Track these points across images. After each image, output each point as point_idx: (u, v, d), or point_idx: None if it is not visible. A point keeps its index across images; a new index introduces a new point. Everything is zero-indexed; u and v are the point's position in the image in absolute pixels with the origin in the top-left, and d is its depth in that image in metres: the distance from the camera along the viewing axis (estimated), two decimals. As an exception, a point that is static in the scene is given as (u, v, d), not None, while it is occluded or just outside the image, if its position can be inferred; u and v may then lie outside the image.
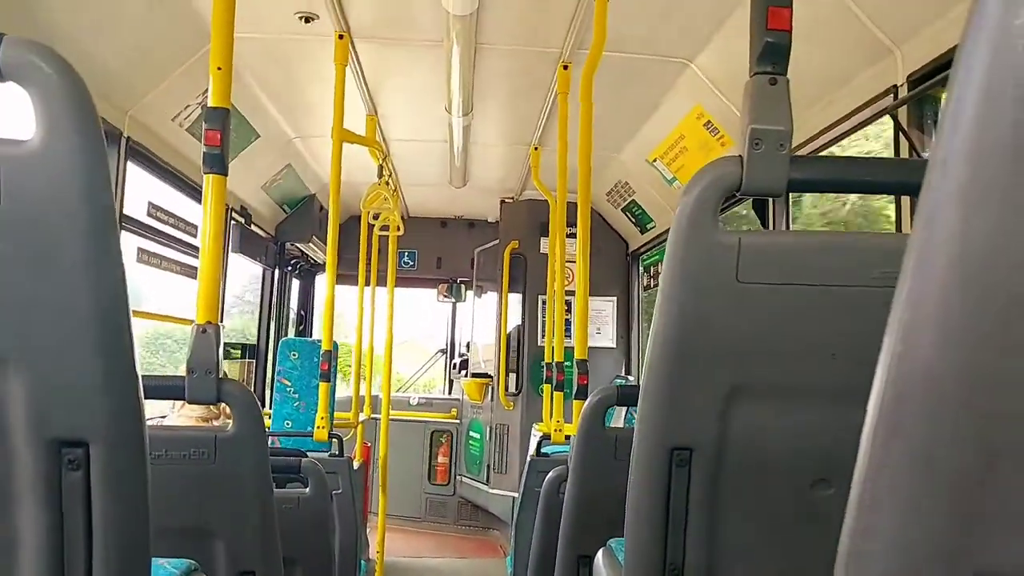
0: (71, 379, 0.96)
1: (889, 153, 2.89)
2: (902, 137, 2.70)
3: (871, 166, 1.32)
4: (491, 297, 7.56)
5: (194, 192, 4.35)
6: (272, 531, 1.87)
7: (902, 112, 2.70)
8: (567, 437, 3.98)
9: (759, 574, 1.36)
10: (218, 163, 2.08)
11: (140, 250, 4.01)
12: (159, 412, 3.75)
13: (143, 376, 1.03)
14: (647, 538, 1.33)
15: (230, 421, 1.87)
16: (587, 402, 2.49)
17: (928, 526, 0.46)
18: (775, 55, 1.22)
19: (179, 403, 3.32)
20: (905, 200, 2.71)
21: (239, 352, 6.14)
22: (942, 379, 0.44)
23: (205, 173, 2.11)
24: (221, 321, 2.12)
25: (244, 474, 1.84)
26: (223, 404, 3.47)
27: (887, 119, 2.82)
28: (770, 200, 3.88)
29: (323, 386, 3.72)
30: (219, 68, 2.15)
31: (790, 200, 3.84)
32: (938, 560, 0.46)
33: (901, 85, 2.71)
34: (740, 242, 1.21)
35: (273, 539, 1.87)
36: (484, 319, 7.84)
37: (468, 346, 8.15)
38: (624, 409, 5.08)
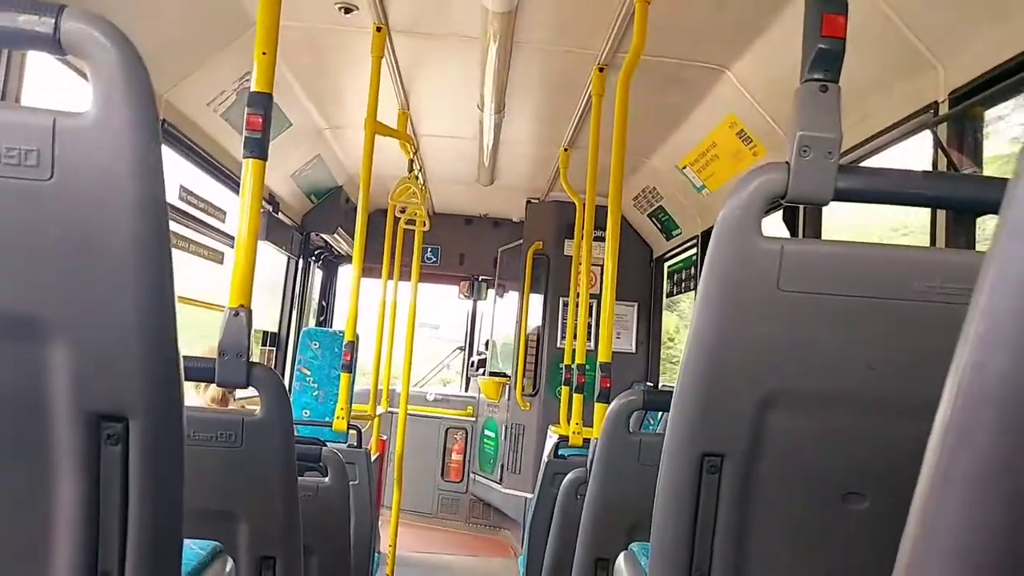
0: (115, 354, 0.97)
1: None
2: (941, 154, 2.67)
3: (921, 179, 1.30)
4: (512, 297, 7.56)
5: (225, 178, 4.38)
6: (295, 518, 1.87)
7: (942, 129, 2.67)
8: (585, 440, 3.97)
9: None
10: (258, 148, 2.09)
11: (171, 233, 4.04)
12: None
13: None
14: (674, 543, 1.32)
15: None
16: (612, 405, 2.48)
17: (995, 538, 0.45)
18: (827, 62, 1.20)
19: None
20: (940, 214, 2.67)
21: (260, 339, 6.18)
22: (1018, 389, 0.44)
23: (245, 158, 2.12)
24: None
25: (270, 459, 1.85)
26: (221, 390, 3.52)
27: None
28: (800, 212, 3.85)
29: (344, 377, 3.73)
30: (264, 53, 2.16)
31: (823, 212, 3.81)
32: (1003, 573, 0.45)
33: (942, 101, 2.67)
34: (783, 249, 1.20)
35: (296, 526, 1.87)
36: (504, 318, 7.84)
37: (487, 344, 8.16)
38: (643, 414, 5.06)
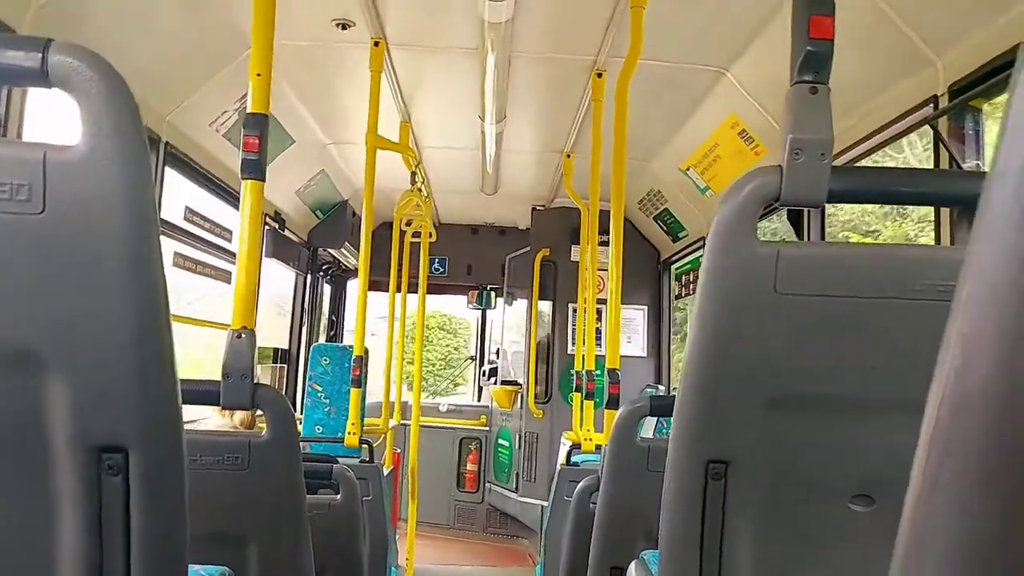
0: (111, 385, 0.97)
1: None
2: (942, 148, 2.66)
3: (913, 177, 1.30)
4: (521, 304, 7.55)
5: (230, 197, 4.40)
6: (305, 539, 1.87)
7: (942, 123, 2.66)
8: (597, 447, 3.96)
9: None
10: (256, 169, 2.10)
11: (176, 254, 4.06)
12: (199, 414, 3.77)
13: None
14: (682, 551, 1.31)
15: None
16: (619, 412, 2.47)
17: (986, 548, 0.45)
18: (816, 64, 1.20)
19: None
20: (944, 212, 2.66)
21: (271, 357, 6.19)
22: (1002, 395, 0.43)
23: (243, 179, 2.13)
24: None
25: (277, 481, 1.84)
26: (250, 414, 3.51)
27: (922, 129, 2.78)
28: (805, 210, 3.84)
29: (354, 392, 3.73)
30: (258, 74, 2.17)
31: (826, 211, 3.79)
32: None
33: (942, 95, 2.66)
34: (779, 253, 1.20)
35: (306, 547, 1.87)
36: (513, 326, 7.83)
37: (498, 353, 8.15)
38: (655, 419, 5.05)
